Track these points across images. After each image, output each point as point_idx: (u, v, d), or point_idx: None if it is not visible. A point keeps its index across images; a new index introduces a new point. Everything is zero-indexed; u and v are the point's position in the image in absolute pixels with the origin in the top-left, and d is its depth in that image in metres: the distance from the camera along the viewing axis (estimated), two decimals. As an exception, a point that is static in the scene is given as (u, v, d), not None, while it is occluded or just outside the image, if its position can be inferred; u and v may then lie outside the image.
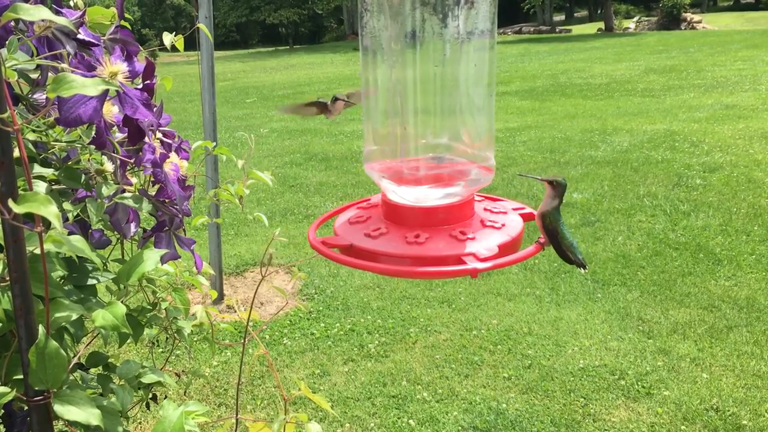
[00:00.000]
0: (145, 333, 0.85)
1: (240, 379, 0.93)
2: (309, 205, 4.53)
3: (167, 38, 0.76)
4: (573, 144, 5.86)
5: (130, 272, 0.66)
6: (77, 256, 0.66)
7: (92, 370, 0.84)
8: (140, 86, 0.64)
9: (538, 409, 2.13)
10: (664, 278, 3.05)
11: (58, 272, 0.65)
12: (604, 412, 2.11)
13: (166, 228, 0.71)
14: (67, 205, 0.69)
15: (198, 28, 0.92)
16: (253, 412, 2.17)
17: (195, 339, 0.96)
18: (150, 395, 0.88)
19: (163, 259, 0.69)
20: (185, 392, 2.20)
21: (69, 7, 0.66)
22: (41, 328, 0.57)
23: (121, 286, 0.68)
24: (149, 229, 0.74)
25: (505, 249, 0.73)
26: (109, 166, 0.67)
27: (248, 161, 0.95)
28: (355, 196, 4.61)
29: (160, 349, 2.22)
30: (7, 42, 0.59)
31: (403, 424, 2.09)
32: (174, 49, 0.81)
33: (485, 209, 0.83)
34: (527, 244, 0.76)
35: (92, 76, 0.56)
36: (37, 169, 0.68)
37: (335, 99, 1.00)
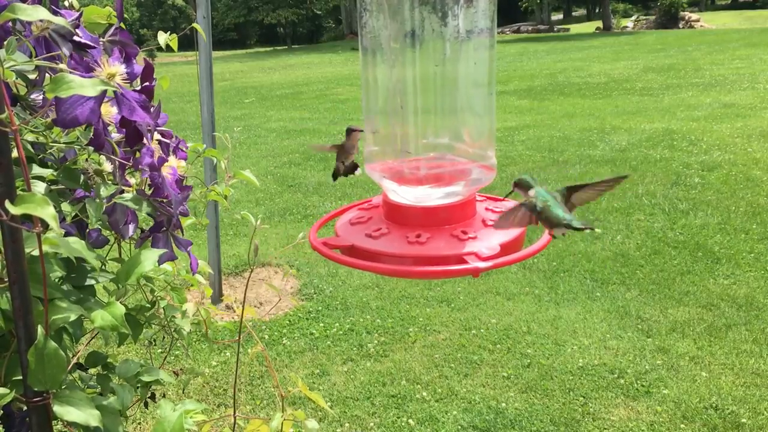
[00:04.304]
0: (143, 332, 0.85)
1: (237, 372, 0.93)
2: (308, 205, 4.53)
3: (162, 38, 0.77)
4: (571, 143, 5.86)
5: (129, 273, 0.66)
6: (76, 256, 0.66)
7: (91, 369, 0.84)
8: (139, 88, 0.64)
9: (537, 408, 2.13)
10: (662, 277, 3.05)
11: (57, 273, 0.64)
12: (603, 411, 2.11)
13: (164, 228, 0.71)
14: (66, 206, 0.69)
15: (195, 28, 0.92)
16: (252, 412, 2.17)
17: (194, 340, 0.96)
18: (149, 394, 0.88)
19: (161, 260, 0.69)
20: (183, 390, 2.20)
21: (65, 7, 0.66)
22: (40, 329, 0.57)
23: (120, 285, 0.68)
24: (147, 229, 0.74)
25: (507, 248, 0.73)
26: (107, 167, 0.67)
27: (230, 160, 0.97)
28: (354, 195, 4.62)
29: (159, 350, 2.22)
30: (5, 42, 0.59)
31: (403, 424, 2.09)
32: (170, 48, 0.81)
33: (487, 209, 0.82)
34: (527, 243, 0.75)
35: (90, 77, 0.56)
36: (36, 169, 0.68)
37: (350, 130, 0.92)
